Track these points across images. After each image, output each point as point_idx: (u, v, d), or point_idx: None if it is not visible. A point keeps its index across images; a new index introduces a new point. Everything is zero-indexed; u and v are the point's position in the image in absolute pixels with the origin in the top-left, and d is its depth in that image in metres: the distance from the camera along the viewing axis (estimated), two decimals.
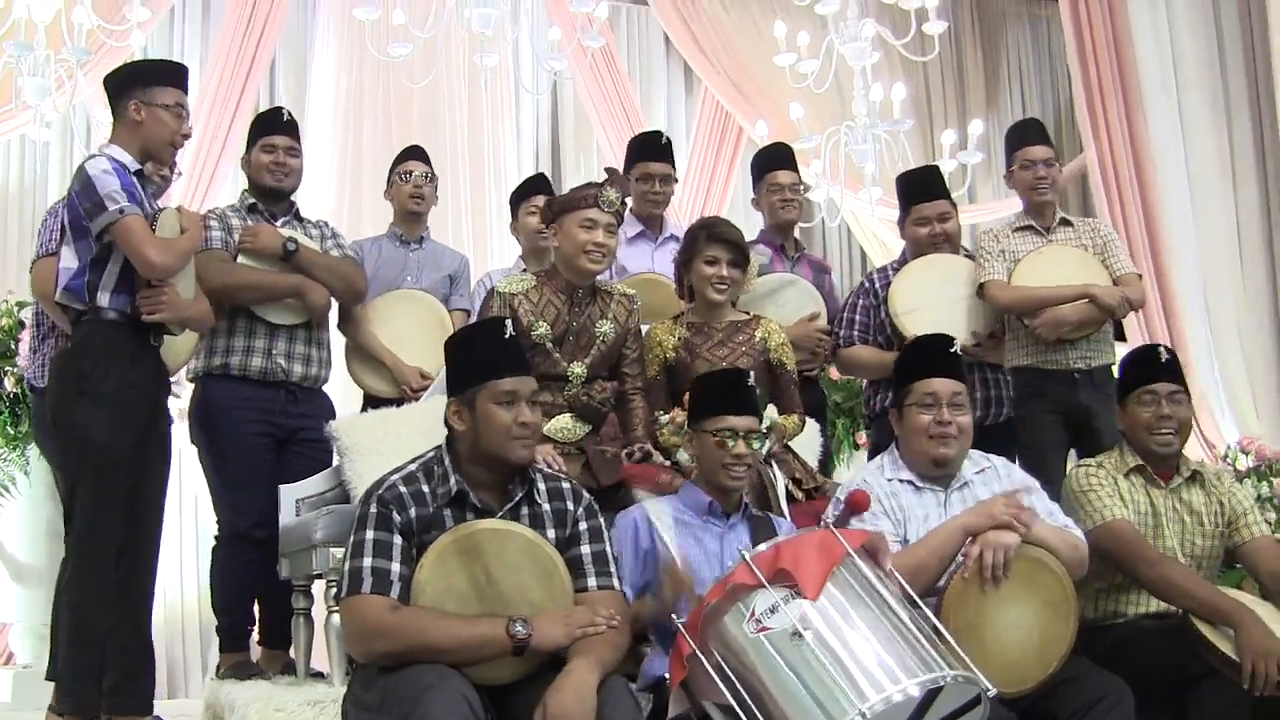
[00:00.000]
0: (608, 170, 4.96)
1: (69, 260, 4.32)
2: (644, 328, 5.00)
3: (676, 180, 6.27)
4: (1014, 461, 4.57)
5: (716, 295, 4.88)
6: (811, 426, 5.17)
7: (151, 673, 4.41)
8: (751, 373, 4.29)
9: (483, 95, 8.78)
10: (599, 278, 4.81)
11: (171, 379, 4.87)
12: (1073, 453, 5.48)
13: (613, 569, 3.63)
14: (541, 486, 3.66)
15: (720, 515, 4.05)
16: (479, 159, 8.83)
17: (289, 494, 4.92)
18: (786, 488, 4.58)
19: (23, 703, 5.39)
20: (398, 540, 3.42)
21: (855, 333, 5.73)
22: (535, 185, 6.18)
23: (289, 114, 5.59)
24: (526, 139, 9.36)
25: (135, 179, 4.34)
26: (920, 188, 5.80)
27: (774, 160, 6.31)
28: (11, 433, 5.92)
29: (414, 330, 5.58)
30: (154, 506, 4.45)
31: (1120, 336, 7.34)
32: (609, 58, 9.17)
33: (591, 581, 3.56)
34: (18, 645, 6.33)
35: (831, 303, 6.03)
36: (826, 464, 5.84)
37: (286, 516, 4.89)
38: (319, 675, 4.85)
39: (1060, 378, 5.35)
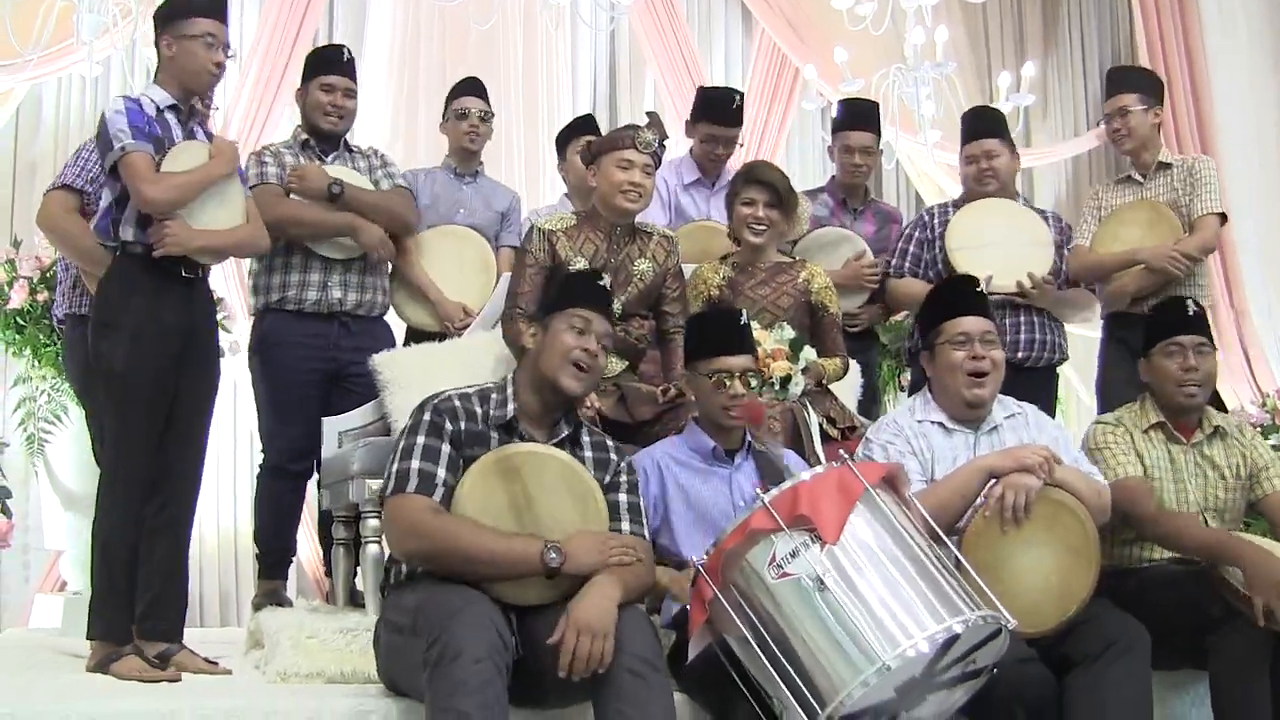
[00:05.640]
0: (648, 114, 5.00)
1: (106, 200, 4.38)
2: (691, 268, 5.07)
3: (741, 145, 6.24)
4: (1054, 402, 4.56)
5: (753, 237, 4.94)
6: (852, 369, 5.20)
7: (183, 602, 4.48)
8: (780, 313, 4.36)
9: (538, 35, 8.79)
10: (638, 218, 4.86)
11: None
12: None
13: (645, 522, 3.75)
14: (587, 439, 3.79)
15: (724, 458, 4.08)
16: (533, 98, 8.79)
17: (332, 426, 4.97)
18: (821, 426, 4.60)
19: (72, 628, 5.46)
20: (446, 448, 3.54)
21: (906, 264, 5.79)
22: (583, 125, 6.21)
23: (349, 53, 5.57)
24: (582, 80, 9.33)
25: (169, 114, 4.39)
26: (969, 127, 5.86)
27: (852, 118, 6.23)
28: (62, 363, 6.01)
29: (458, 267, 5.60)
30: (193, 438, 4.47)
31: None
32: (667, 0, 9.12)
33: (626, 526, 3.66)
34: (69, 572, 6.45)
35: None
36: (871, 405, 5.86)
37: (329, 449, 4.94)
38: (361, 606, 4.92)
39: (1137, 323, 5.27)
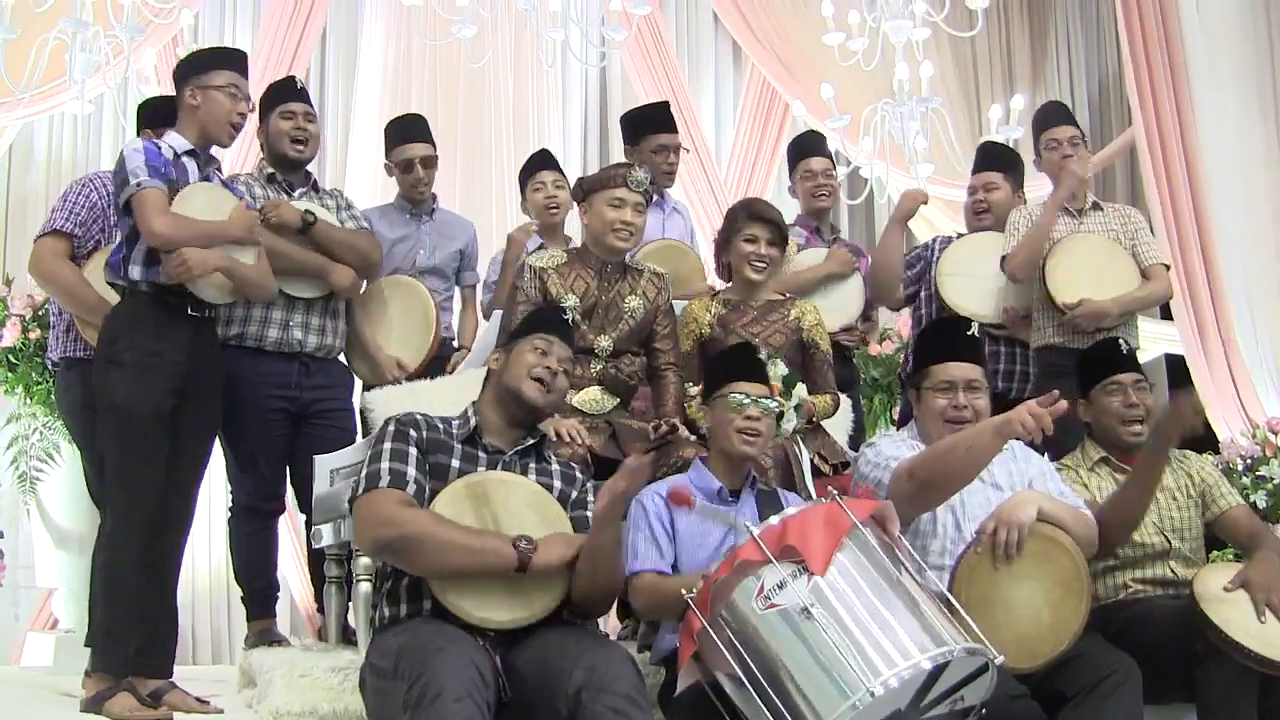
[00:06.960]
0: None
1: (117, 238, 4.48)
2: (679, 304, 5.07)
3: (688, 150, 6.43)
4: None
5: (754, 274, 4.94)
6: (843, 404, 5.20)
7: (174, 638, 4.48)
8: (772, 350, 4.43)
9: (529, 72, 8.84)
10: (629, 255, 4.87)
11: None
12: None
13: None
14: (551, 455, 3.90)
15: (729, 497, 4.06)
16: (524, 136, 8.84)
17: (323, 464, 4.91)
18: (812, 461, 4.61)
19: (65, 666, 5.46)
20: (413, 451, 3.64)
21: (904, 291, 6.01)
22: (540, 161, 6.20)
23: (301, 82, 5.63)
24: (573, 117, 9.37)
25: (186, 160, 4.49)
26: (977, 159, 6.09)
27: (807, 148, 6.43)
28: (55, 403, 6.01)
29: (398, 318, 5.53)
30: (191, 475, 4.53)
31: (1166, 315, 7.37)
32: (657, 36, 9.17)
33: None
34: (61, 610, 6.44)
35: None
36: (860, 439, 5.87)
37: (321, 486, 4.89)
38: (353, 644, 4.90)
39: (1072, 357, 5.31)
